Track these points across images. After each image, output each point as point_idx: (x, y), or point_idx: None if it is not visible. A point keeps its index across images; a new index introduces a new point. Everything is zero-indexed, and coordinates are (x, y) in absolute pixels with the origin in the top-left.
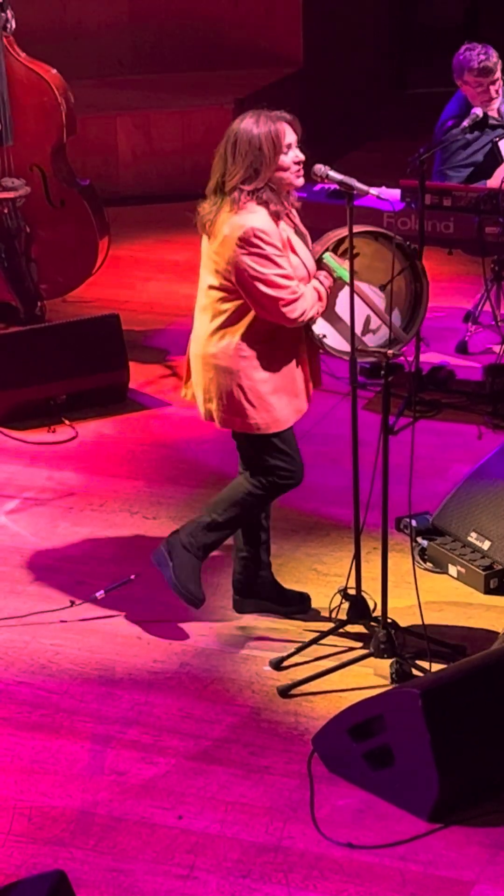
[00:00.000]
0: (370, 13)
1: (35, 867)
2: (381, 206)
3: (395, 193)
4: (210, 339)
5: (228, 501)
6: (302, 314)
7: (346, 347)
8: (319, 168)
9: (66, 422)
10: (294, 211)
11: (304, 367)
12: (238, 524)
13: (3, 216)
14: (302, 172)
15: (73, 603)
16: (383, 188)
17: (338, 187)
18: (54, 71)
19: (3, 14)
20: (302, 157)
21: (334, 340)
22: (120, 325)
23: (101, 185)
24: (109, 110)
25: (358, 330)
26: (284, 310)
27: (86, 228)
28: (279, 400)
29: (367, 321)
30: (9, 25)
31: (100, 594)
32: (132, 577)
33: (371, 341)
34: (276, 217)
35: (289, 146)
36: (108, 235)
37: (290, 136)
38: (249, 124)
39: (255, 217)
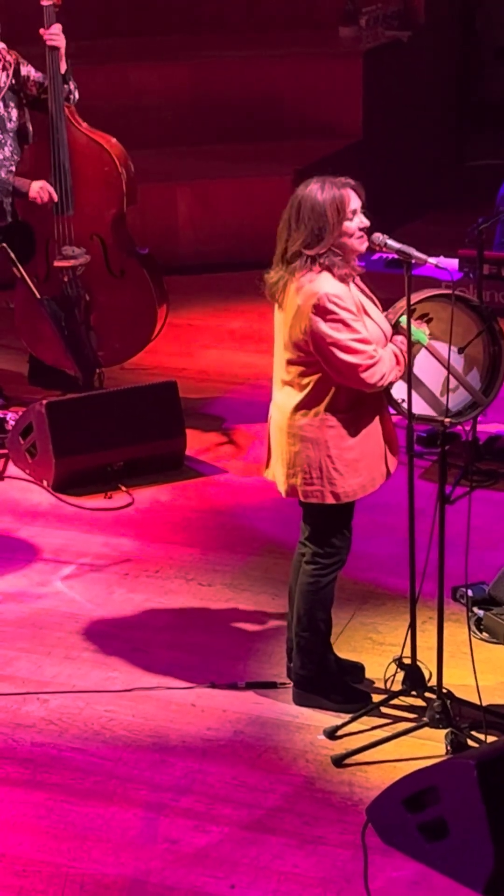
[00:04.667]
0: (428, 87)
1: None
2: (440, 276)
3: (454, 263)
4: (296, 412)
5: (303, 607)
6: (381, 378)
7: (427, 411)
8: (378, 237)
9: (123, 488)
10: (358, 277)
11: (390, 432)
12: (324, 619)
13: (64, 284)
14: (366, 238)
15: (213, 684)
16: (441, 258)
17: (396, 256)
18: (115, 140)
19: (66, 86)
20: (367, 222)
21: (414, 405)
22: (177, 393)
23: (160, 254)
24: (169, 180)
25: (436, 391)
26: (363, 375)
27: (145, 297)
28: (366, 465)
29: (446, 382)
30: (72, 97)
31: (241, 684)
32: (278, 683)
33: (450, 401)
34: (344, 281)
35: (354, 212)
36: (167, 304)
37: (354, 203)
38: (314, 190)
39: (325, 282)
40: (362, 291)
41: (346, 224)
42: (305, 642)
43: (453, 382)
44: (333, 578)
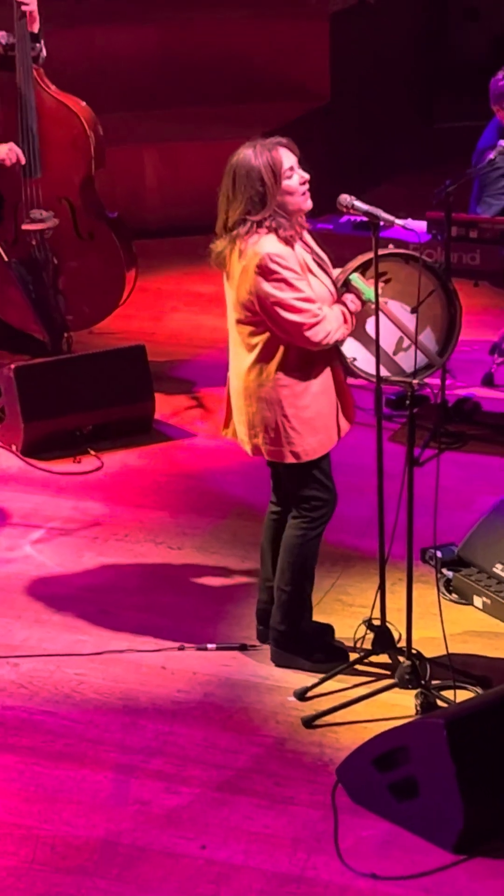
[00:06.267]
0: (397, 48)
1: None
2: (408, 238)
3: (422, 225)
4: (249, 373)
5: (286, 561)
6: (326, 336)
7: (381, 371)
8: (345, 198)
9: (92, 452)
10: (307, 235)
11: (343, 387)
12: (308, 574)
13: (32, 248)
14: (309, 194)
15: (183, 647)
16: (409, 220)
17: (364, 218)
18: (84, 104)
19: (36, 45)
20: (306, 175)
21: (365, 363)
22: (146, 357)
23: (128, 217)
24: (137, 142)
25: (390, 350)
26: (308, 334)
27: (113, 261)
28: (323, 422)
29: (400, 342)
30: (41, 56)
31: (211, 647)
32: (248, 645)
33: (404, 361)
34: (287, 242)
35: (291, 169)
36: (136, 268)
37: (289, 160)
38: (247, 156)
39: (267, 243)
40: (310, 250)
41: (286, 183)
42: (287, 597)
43: (407, 342)
44: (319, 533)
